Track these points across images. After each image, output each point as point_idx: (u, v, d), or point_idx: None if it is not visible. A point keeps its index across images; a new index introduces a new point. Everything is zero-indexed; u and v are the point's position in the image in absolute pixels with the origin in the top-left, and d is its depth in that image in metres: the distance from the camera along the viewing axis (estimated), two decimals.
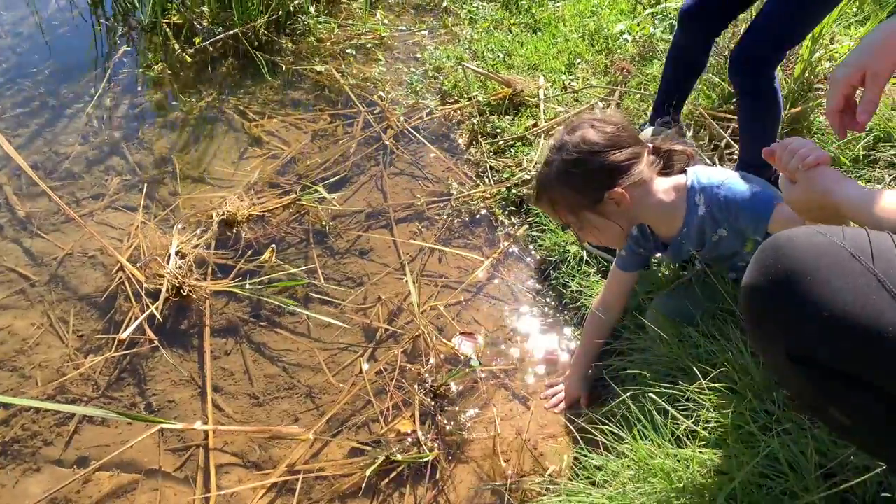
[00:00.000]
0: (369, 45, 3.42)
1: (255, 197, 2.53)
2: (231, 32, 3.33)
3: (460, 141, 2.85)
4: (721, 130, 2.43)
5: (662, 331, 1.66)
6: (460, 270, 2.30)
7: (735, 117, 2.47)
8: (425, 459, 1.75)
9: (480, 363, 1.98)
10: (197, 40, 3.35)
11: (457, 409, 1.89)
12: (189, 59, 3.27)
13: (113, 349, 2.02)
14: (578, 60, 3.08)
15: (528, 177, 2.51)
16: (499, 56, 3.17)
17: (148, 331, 2.06)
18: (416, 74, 3.19)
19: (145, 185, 2.58)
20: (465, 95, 3.00)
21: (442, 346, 2.04)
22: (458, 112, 2.96)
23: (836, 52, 2.49)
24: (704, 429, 1.39)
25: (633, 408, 1.47)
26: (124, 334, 2.04)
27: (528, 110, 2.83)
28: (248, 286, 2.19)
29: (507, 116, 2.84)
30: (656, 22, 3.06)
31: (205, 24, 3.44)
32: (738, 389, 1.43)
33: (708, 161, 2.30)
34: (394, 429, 1.83)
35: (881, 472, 1.25)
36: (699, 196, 1.58)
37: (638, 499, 1.33)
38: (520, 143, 2.69)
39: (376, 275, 2.27)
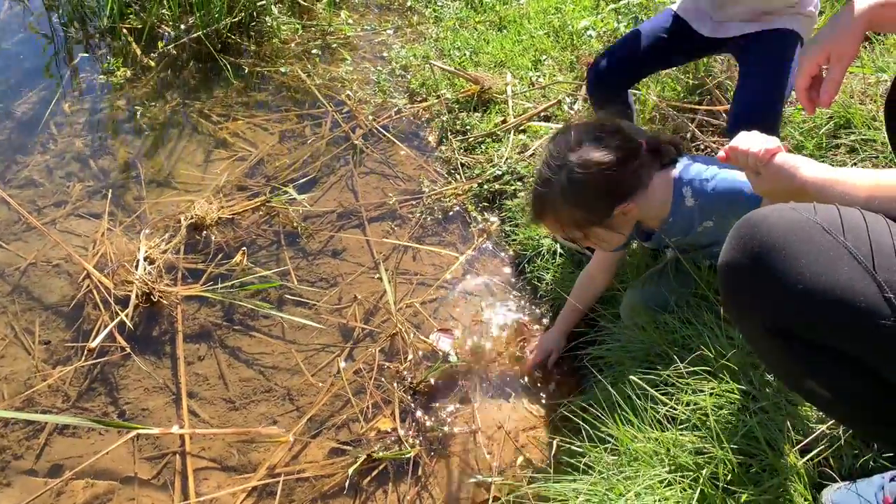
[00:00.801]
0: (334, 45, 3.39)
1: (224, 200, 2.49)
2: (194, 36, 3.28)
3: (430, 139, 2.85)
4: (687, 122, 2.47)
5: (639, 318, 1.68)
6: (435, 267, 2.30)
7: (700, 107, 2.51)
8: (407, 456, 1.74)
9: (459, 358, 1.98)
10: (160, 44, 3.29)
11: (437, 404, 1.88)
12: (152, 64, 3.21)
13: (82, 358, 1.97)
14: (544, 57, 3.10)
15: (500, 173, 2.52)
16: (465, 54, 3.17)
17: (118, 338, 2.02)
18: (383, 73, 3.18)
19: (109, 191, 2.53)
20: (434, 93, 3.00)
21: (419, 342, 2.03)
22: (427, 110, 2.96)
23: None
24: (684, 412, 1.41)
25: (613, 394, 1.48)
26: (94, 343, 1.99)
27: (497, 107, 2.84)
28: (219, 290, 2.16)
29: (476, 113, 2.85)
30: (619, 17, 3.10)
31: (167, 27, 3.38)
32: (715, 371, 1.45)
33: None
34: (374, 427, 1.82)
35: (856, 443, 1.28)
36: (686, 188, 1.58)
37: (621, 484, 1.34)
38: (490, 140, 2.69)
39: (350, 275, 2.26)
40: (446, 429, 1.82)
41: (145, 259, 2.21)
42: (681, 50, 2.02)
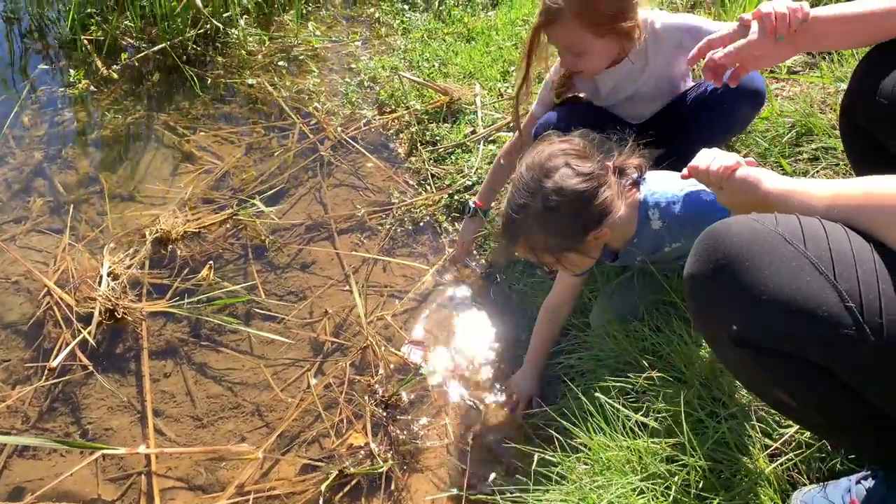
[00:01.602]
0: (302, 57, 3.37)
1: (190, 213, 2.45)
2: (158, 47, 3.24)
3: (400, 150, 2.84)
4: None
5: (609, 326, 1.68)
6: (406, 279, 2.28)
7: None
8: (380, 471, 1.72)
9: (431, 371, 1.97)
10: (123, 56, 3.23)
11: (409, 417, 1.87)
12: (115, 76, 3.15)
13: (43, 378, 1.91)
14: (513, 68, 3.12)
15: (470, 183, 2.52)
16: (434, 65, 3.18)
17: (81, 357, 1.96)
18: (351, 85, 3.17)
19: (71, 206, 2.47)
20: (403, 104, 3.00)
21: (391, 355, 2.01)
22: (397, 121, 2.96)
23: None
24: (655, 419, 1.41)
25: (585, 402, 1.48)
26: (55, 362, 1.93)
27: (466, 117, 2.85)
28: (186, 306, 2.12)
29: (446, 124, 2.85)
30: None
31: (130, 39, 3.32)
32: (684, 378, 1.46)
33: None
34: (346, 442, 1.80)
35: (824, 447, 1.30)
36: (653, 211, 1.58)
37: (594, 493, 1.34)
38: (459, 150, 2.70)
39: (320, 288, 2.23)
40: (419, 442, 1.81)
41: (109, 275, 2.16)
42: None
